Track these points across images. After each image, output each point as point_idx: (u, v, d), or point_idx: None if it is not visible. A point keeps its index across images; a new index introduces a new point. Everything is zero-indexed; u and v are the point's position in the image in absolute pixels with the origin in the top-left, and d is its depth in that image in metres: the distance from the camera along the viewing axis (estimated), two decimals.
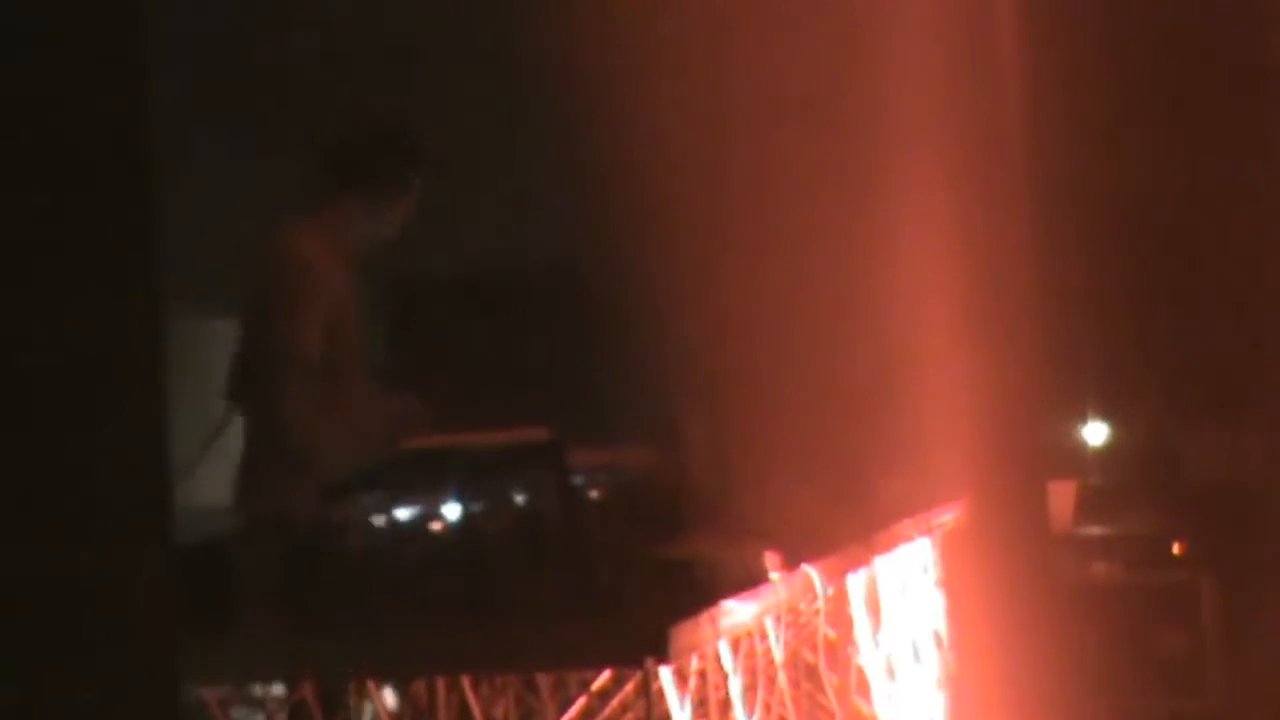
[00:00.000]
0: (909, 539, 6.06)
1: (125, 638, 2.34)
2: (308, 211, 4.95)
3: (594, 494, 4.55)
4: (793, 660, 4.92)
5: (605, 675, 3.86)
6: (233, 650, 3.78)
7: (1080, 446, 9.74)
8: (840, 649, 5.37)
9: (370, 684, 4.06)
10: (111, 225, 2.33)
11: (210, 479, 7.90)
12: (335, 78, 7.73)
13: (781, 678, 4.55)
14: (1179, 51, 9.09)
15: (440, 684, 4.53)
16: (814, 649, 5.13)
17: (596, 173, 6.39)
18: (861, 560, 5.27)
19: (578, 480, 4.44)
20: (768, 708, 4.54)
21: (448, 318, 6.49)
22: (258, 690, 4.59)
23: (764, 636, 4.46)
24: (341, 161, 4.91)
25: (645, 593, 3.80)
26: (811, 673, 5.14)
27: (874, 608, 5.66)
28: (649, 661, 3.48)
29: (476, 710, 4.54)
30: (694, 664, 4.02)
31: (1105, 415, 9.87)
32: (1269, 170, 9.19)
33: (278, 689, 4.30)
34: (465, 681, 4.42)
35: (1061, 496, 8.84)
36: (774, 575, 4.24)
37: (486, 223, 7.47)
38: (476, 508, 4.01)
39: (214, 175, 8.03)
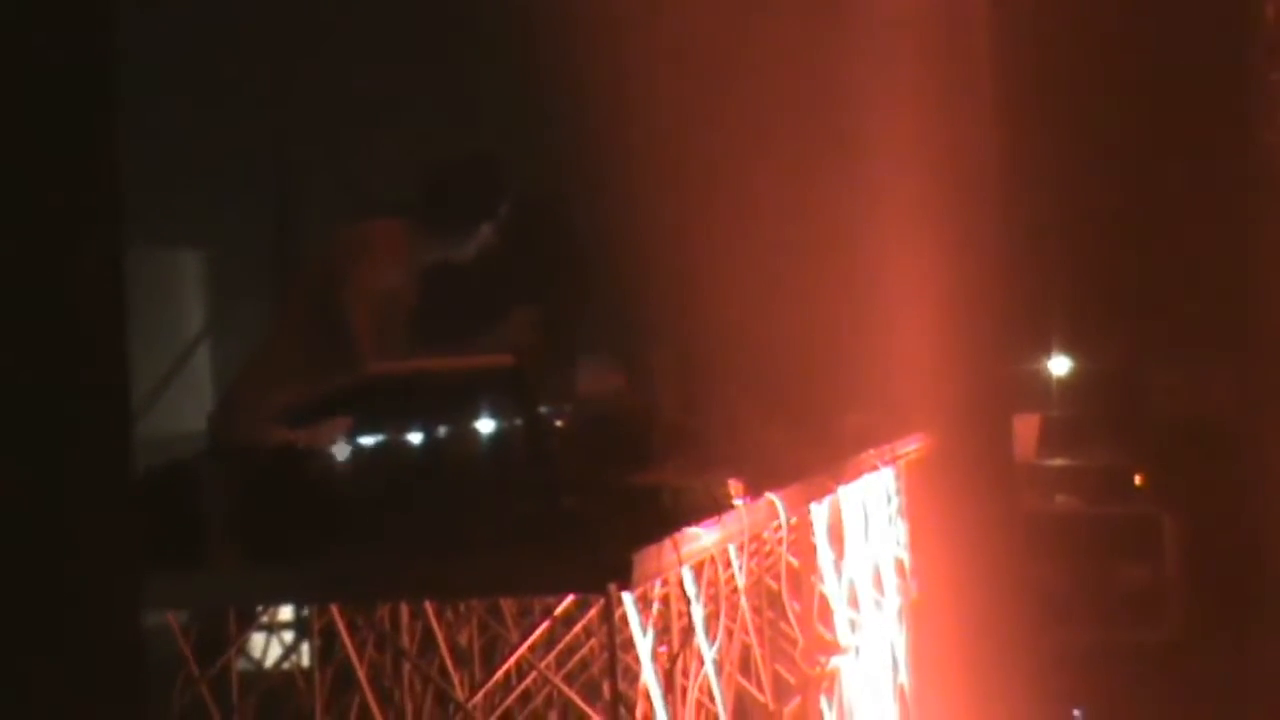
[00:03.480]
0: (873, 469, 6.10)
1: (86, 559, 2.35)
2: (397, 215, 5.00)
3: (558, 423, 4.56)
4: (755, 588, 4.96)
5: (569, 601, 3.89)
6: (195, 577, 3.79)
7: (1045, 379, 9.80)
8: (803, 577, 5.41)
9: (335, 612, 4.08)
10: (74, 156, 2.34)
11: (176, 407, 7.92)
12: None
13: (744, 604, 4.59)
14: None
15: (404, 610, 4.55)
16: (777, 577, 5.17)
17: (579, 109, 6.41)
18: (825, 489, 5.30)
19: (543, 408, 4.46)
20: (730, 634, 4.57)
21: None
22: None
23: (727, 564, 4.48)
24: (428, 185, 4.97)
25: (609, 519, 3.81)
26: (774, 600, 5.18)
27: (837, 536, 5.70)
28: (612, 587, 3.50)
29: (440, 636, 4.57)
30: (657, 590, 4.06)
31: (1070, 348, 9.92)
32: (1240, 113, 9.22)
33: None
34: (429, 607, 4.45)
35: (1026, 428, 8.90)
36: (738, 502, 4.27)
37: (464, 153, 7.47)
38: (441, 434, 4.02)
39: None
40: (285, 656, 4.67)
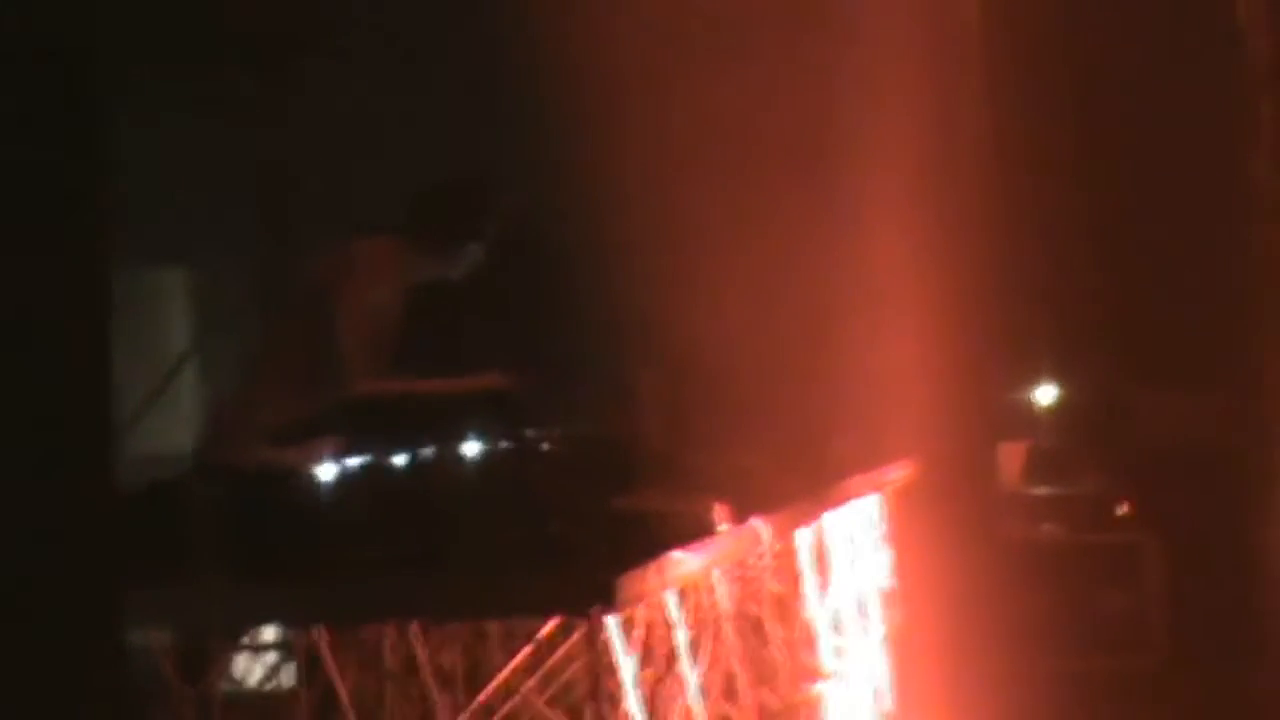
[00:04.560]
0: (858, 495, 6.10)
1: (70, 577, 2.35)
2: (387, 233, 5.00)
3: (544, 446, 4.57)
4: (740, 614, 4.96)
5: (553, 624, 3.89)
6: (178, 596, 3.78)
7: (1031, 407, 9.81)
8: (788, 603, 5.41)
9: (319, 635, 4.08)
10: (56, 174, 2.34)
11: (160, 428, 7.91)
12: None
13: (728, 630, 4.59)
14: (1140, 22, 9.13)
15: (389, 632, 4.55)
16: (761, 603, 5.17)
17: (565, 131, 6.42)
18: (810, 515, 5.31)
19: (530, 432, 4.47)
20: (714, 660, 4.57)
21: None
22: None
23: (711, 589, 4.49)
24: (418, 204, 4.99)
25: (594, 543, 3.82)
26: (758, 626, 5.18)
27: (822, 563, 5.70)
28: (596, 610, 3.50)
29: (424, 659, 4.57)
30: (641, 614, 4.06)
31: (1056, 377, 9.94)
32: (1226, 136, 9.24)
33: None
34: (414, 629, 4.45)
35: (1011, 457, 8.91)
36: (722, 528, 4.27)
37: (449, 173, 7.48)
38: (427, 456, 4.02)
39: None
40: (268, 678, 4.66)
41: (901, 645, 6.82)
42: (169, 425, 7.95)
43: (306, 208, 8.23)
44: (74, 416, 2.32)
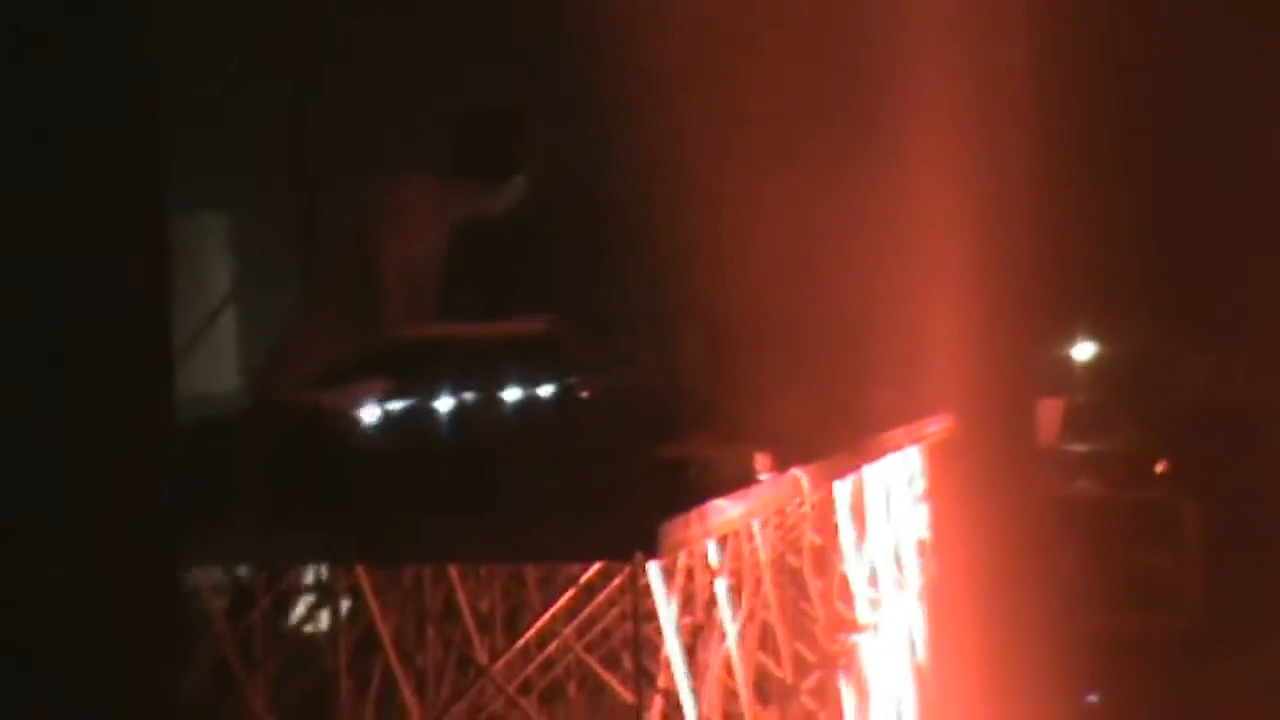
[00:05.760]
0: (897, 448, 6.10)
1: (126, 508, 2.37)
2: (429, 171, 4.94)
3: (585, 394, 4.57)
4: (778, 565, 4.96)
5: (593, 570, 3.90)
6: (224, 536, 3.81)
7: (1069, 364, 9.79)
8: (825, 554, 5.41)
9: (361, 574, 4.09)
10: (118, 134, 2.35)
11: (202, 369, 7.94)
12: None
13: (767, 579, 4.60)
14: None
15: (428, 575, 4.57)
16: (799, 553, 5.18)
17: (612, 90, 6.40)
18: (850, 467, 5.30)
19: (573, 379, 4.47)
20: (751, 610, 4.58)
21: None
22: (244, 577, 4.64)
23: (751, 538, 4.49)
24: (459, 138, 4.91)
25: (636, 490, 3.82)
26: (796, 576, 5.19)
27: (860, 514, 5.70)
28: (638, 556, 3.50)
29: (464, 602, 4.59)
30: (681, 562, 4.06)
31: (1095, 334, 9.91)
32: (1261, 112, 9.19)
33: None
34: (453, 572, 4.46)
35: (1049, 413, 8.89)
36: (763, 477, 4.27)
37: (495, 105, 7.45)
38: (471, 400, 4.03)
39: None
40: (309, 618, 4.69)
41: (937, 598, 6.83)
42: (210, 366, 7.99)
43: (344, 149, 8.21)
44: (136, 355, 2.34)
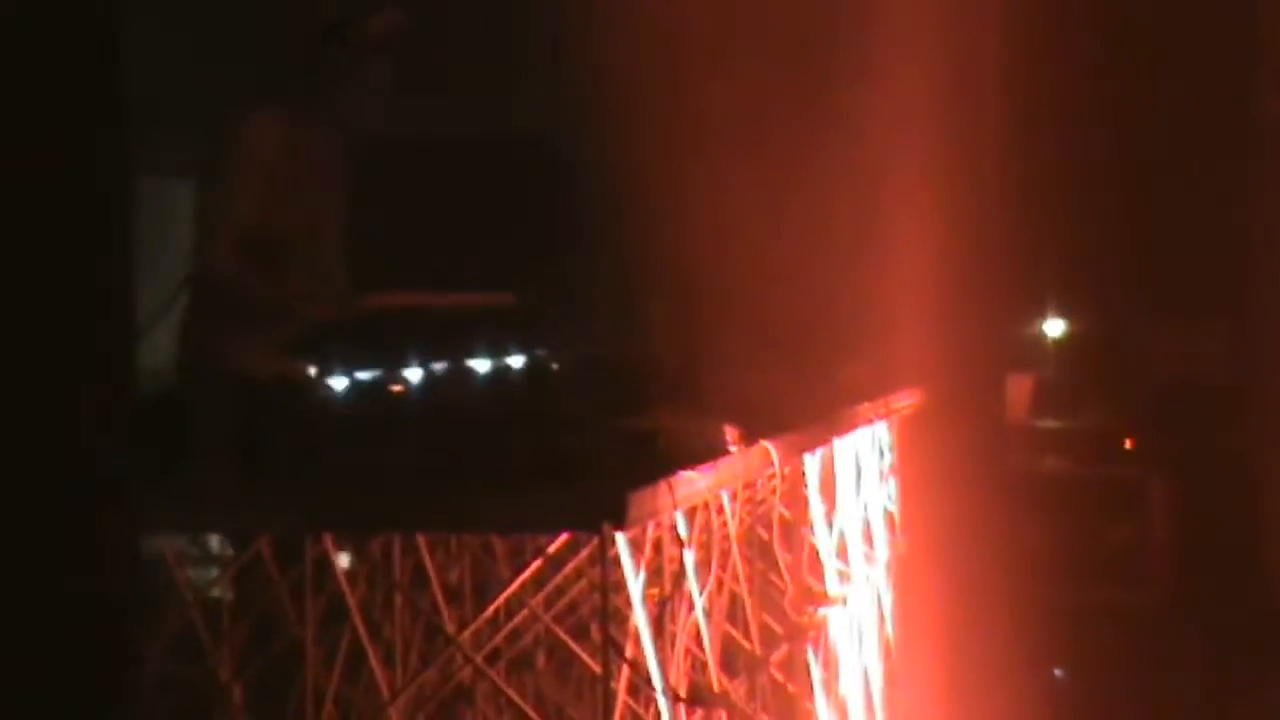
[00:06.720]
0: (867, 421, 6.10)
1: (87, 478, 2.35)
2: (276, 99, 4.76)
3: (554, 365, 4.56)
4: (746, 537, 4.96)
5: (561, 541, 3.89)
6: (190, 504, 3.79)
7: (1040, 340, 9.81)
8: (794, 527, 5.42)
9: (328, 543, 4.08)
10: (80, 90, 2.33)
11: (165, 342, 7.89)
12: None
13: (735, 551, 4.60)
14: None
15: (396, 545, 4.55)
16: (768, 526, 5.18)
17: (582, 54, 6.38)
18: (819, 440, 5.30)
19: (541, 350, 4.45)
20: (719, 582, 4.58)
21: (420, 184, 6.46)
22: (214, 546, 4.62)
23: (719, 510, 4.49)
24: (289, 56, 4.74)
25: (605, 461, 3.81)
26: (765, 548, 5.19)
27: (829, 488, 5.71)
28: (606, 527, 3.50)
29: (432, 571, 4.58)
30: (649, 532, 4.06)
31: (1066, 311, 9.93)
32: (1227, 82, 9.21)
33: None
34: (421, 541, 4.45)
35: (1019, 389, 8.92)
36: (733, 449, 4.27)
37: (469, 93, 7.41)
38: (440, 369, 4.02)
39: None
40: (276, 587, 4.67)
41: (905, 572, 6.85)
42: (173, 340, 7.94)
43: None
44: (99, 326, 2.32)
